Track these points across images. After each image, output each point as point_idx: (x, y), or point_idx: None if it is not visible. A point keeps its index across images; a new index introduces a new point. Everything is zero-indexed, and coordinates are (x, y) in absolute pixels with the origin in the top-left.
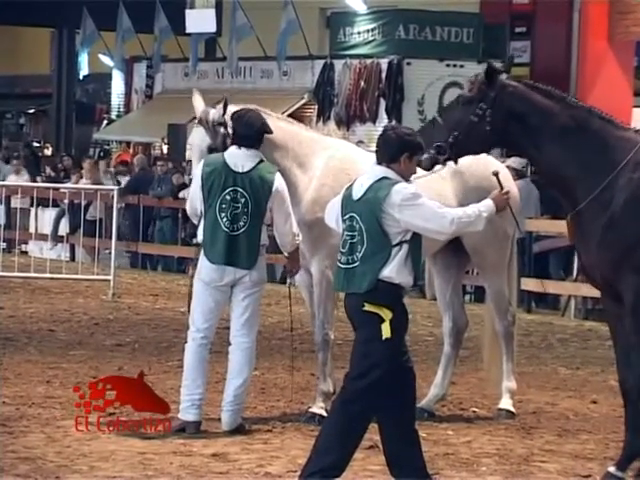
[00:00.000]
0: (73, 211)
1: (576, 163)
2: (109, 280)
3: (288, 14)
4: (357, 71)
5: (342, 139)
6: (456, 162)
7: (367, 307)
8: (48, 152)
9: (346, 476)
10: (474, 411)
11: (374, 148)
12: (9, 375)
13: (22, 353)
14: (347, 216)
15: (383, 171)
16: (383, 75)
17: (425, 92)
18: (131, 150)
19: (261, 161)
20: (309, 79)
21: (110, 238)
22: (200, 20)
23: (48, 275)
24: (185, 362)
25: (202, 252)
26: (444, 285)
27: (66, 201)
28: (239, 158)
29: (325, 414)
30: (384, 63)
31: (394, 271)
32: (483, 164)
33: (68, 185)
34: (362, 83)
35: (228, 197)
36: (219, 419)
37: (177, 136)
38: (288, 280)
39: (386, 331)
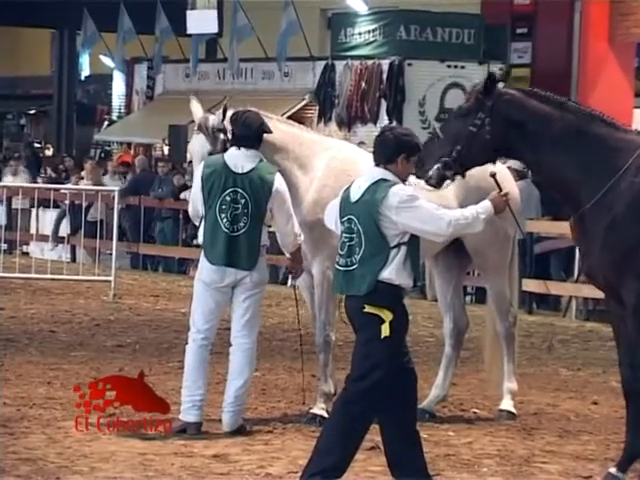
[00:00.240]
0: (74, 212)
1: (579, 166)
2: (110, 281)
3: (289, 15)
4: (358, 72)
5: (343, 140)
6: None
7: (367, 309)
8: (49, 153)
9: (347, 477)
10: (475, 412)
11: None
12: (10, 376)
13: (23, 354)
14: (345, 218)
15: (381, 173)
16: (384, 76)
17: (426, 93)
18: (132, 151)
19: (261, 161)
20: (310, 80)
21: (111, 239)
22: (201, 21)
23: (49, 276)
24: (186, 363)
25: (202, 253)
26: (445, 286)
27: (67, 202)
28: (239, 159)
29: (326, 415)
30: (385, 64)
31: (393, 273)
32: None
33: (69, 186)
34: (363, 84)
35: (228, 198)
36: (220, 420)
37: (178, 137)
38: (290, 281)
39: (385, 330)
